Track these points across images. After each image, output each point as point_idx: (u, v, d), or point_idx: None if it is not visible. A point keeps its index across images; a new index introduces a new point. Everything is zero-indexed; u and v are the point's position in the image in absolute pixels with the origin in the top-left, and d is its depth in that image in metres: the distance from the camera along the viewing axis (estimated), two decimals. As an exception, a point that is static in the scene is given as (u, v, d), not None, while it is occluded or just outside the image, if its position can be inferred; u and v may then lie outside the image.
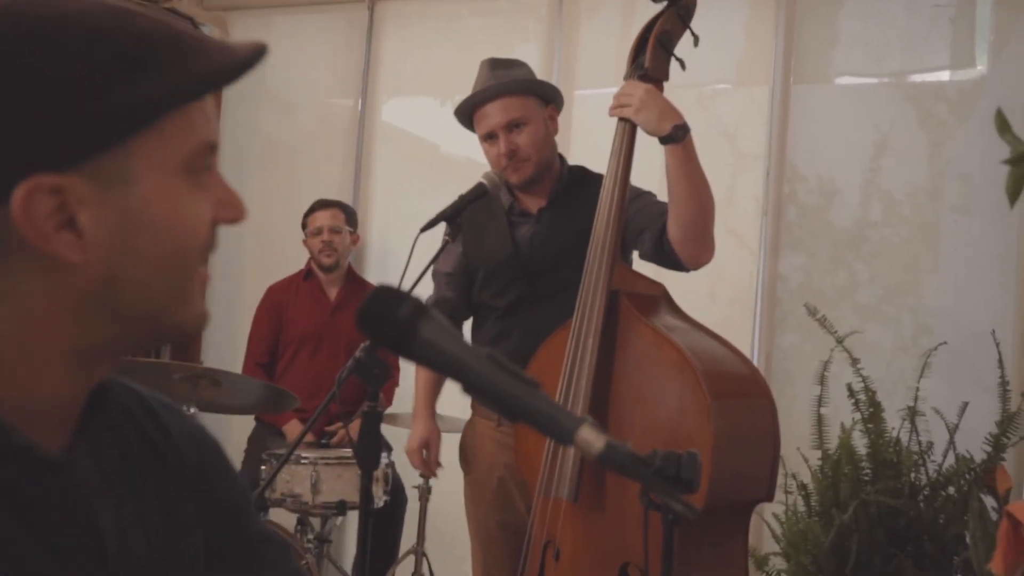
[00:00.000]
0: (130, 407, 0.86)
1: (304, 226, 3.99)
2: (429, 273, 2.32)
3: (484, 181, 2.30)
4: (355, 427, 1.92)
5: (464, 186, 2.30)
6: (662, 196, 2.24)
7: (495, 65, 2.39)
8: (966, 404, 2.86)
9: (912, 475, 2.83)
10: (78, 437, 0.78)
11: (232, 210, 0.80)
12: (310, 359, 3.86)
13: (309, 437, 3.44)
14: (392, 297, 0.81)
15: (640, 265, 2.34)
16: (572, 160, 2.52)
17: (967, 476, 2.77)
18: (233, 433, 4.02)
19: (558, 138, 2.47)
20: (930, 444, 2.88)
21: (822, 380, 2.95)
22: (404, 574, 3.48)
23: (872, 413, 2.89)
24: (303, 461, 3.08)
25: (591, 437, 0.80)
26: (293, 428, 3.69)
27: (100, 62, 0.70)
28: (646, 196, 2.34)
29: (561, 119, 2.48)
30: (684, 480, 0.84)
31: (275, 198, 4.61)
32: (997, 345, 2.87)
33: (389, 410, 3.44)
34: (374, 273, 4.32)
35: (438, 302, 2.50)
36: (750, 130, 3.73)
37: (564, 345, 2.05)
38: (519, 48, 3.97)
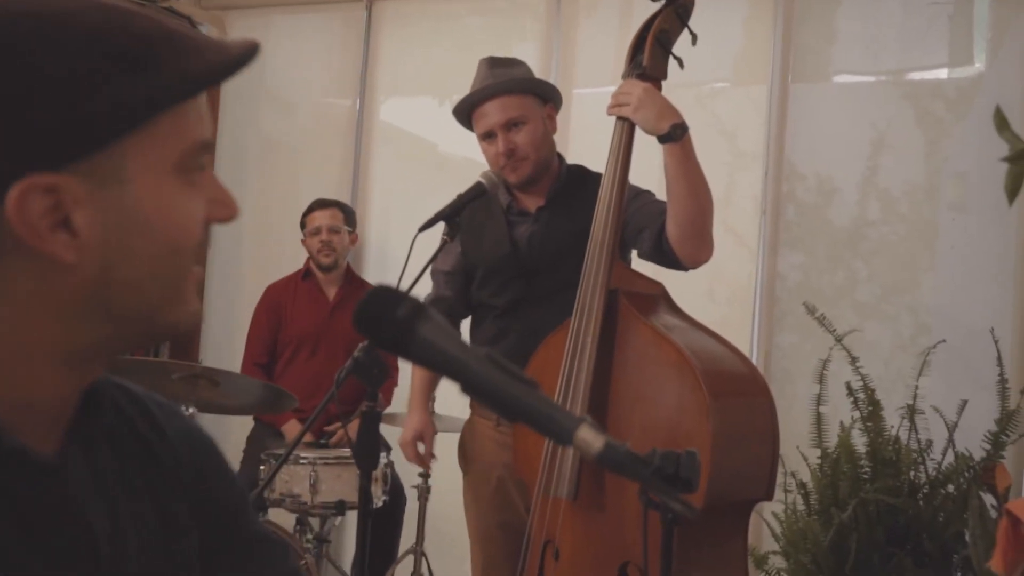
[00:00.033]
0: (124, 407, 0.85)
1: (303, 226, 3.99)
2: (428, 272, 2.32)
3: (482, 180, 2.30)
4: (354, 427, 1.92)
5: (463, 186, 2.30)
6: (661, 195, 2.24)
7: (493, 64, 2.39)
8: (965, 402, 2.86)
9: (911, 473, 2.83)
10: (71, 438, 0.78)
11: (225, 209, 0.80)
12: (309, 359, 3.86)
13: (308, 437, 3.44)
14: (389, 297, 0.80)
15: (639, 264, 2.34)
16: (570, 159, 2.52)
17: (966, 474, 2.77)
18: (232, 433, 4.02)
19: (556, 137, 2.47)
20: (929, 442, 2.88)
21: (821, 379, 2.95)
22: (403, 574, 3.48)
23: (871, 411, 2.89)
24: (302, 461, 3.08)
25: (590, 437, 0.80)
26: (292, 428, 3.69)
27: (95, 61, 0.70)
28: (645, 195, 2.34)
29: (559, 118, 2.48)
30: (683, 479, 0.84)
31: (273, 198, 4.61)
32: (996, 343, 2.87)
33: (388, 410, 3.44)
34: (373, 273, 4.32)
35: (436, 300, 2.50)
36: (748, 129, 3.73)
37: (563, 344, 2.04)
38: (517, 47, 3.96)
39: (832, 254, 3.62)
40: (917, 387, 2.89)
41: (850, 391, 2.91)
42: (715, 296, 3.67)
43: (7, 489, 0.71)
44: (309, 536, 3.21)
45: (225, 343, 4.54)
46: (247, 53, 0.75)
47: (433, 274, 2.49)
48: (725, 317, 3.58)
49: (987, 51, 3.48)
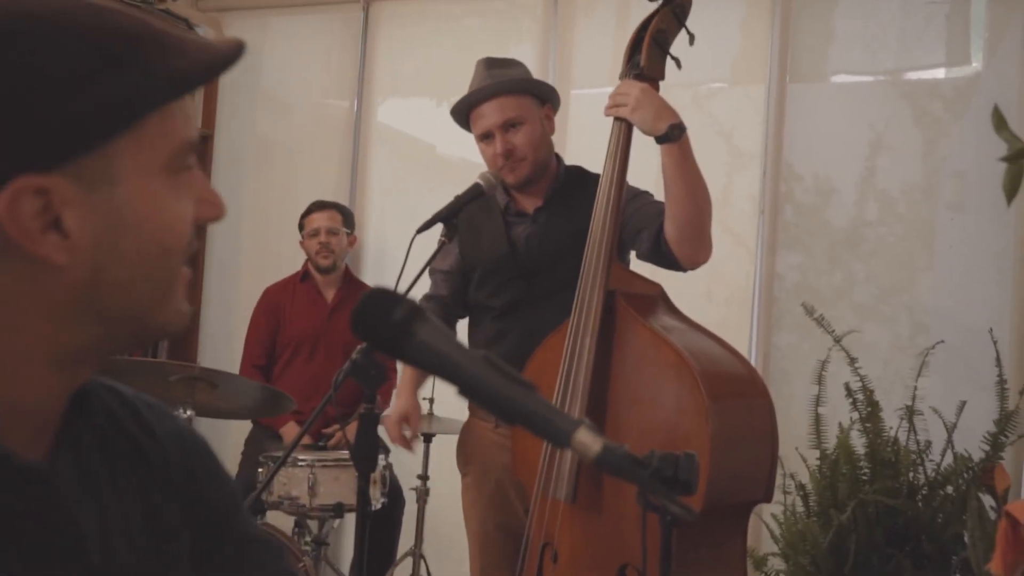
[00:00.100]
0: (114, 409, 0.85)
1: (301, 227, 3.98)
2: (426, 274, 2.32)
3: (480, 181, 2.29)
4: (352, 429, 1.91)
5: (460, 187, 2.30)
6: (659, 196, 2.23)
7: (491, 64, 2.39)
8: (964, 403, 2.86)
9: (910, 474, 2.83)
10: (60, 441, 0.78)
11: (213, 208, 0.80)
12: (307, 361, 3.85)
13: (306, 439, 3.43)
14: (386, 299, 0.80)
15: (637, 265, 2.33)
16: (568, 160, 2.52)
17: (965, 475, 2.77)
18: (230, 435, 4.01)
19: (554, 138, 2.47)
20: (928, 443, 2.88)
21: (820, 379, 2.95)
22: (402, 576, 3.48)
23: (870, 412, 2.88)
24: (300, 463, 3.07)
25: (588, 440, 0.80)
26: (290, 430, 3.68)
27: (84, 61, 0.70)
28: (643, 196, 2.33)
29: (557, 119, 2.47)
30: (682, 481, 0.84)
31: (271, 199, 4.61)
32: (995, 343, 2.87)
33: (386, 412, 3.43)
34: (371, 274, 4.31)
35: (431, 298, 2.50)
36: (746, 129, 3.73)
37: (561, 346, 2.04)
38: (515, 48, 3.97)
39: (830, 254, 3.62)
40: (916, 388, 2.89)
41: (849, 392, 2.90)
42: (713, 297, 3.67)
43: None
44: (307, 538, 3.21)
45: (223, 345, 4.54)
46: (234, 52, 0.75)
47: (431, 273, 2.49)
48: (723, 318, 3.58)
49: (984, 50, 3.48)
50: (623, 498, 1.91)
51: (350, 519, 3.40)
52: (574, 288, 2.06)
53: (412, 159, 4.42)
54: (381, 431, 2.02)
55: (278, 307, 3.94)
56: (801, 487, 2.93)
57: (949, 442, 2.84)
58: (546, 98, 2.43)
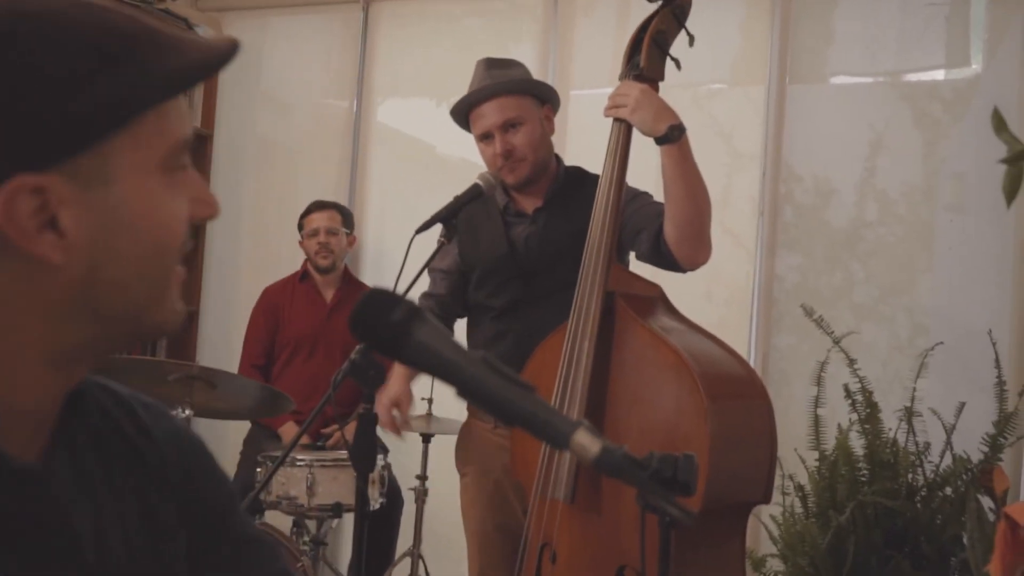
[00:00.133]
0: (109, 408, 0.85)
1: (300, 227, 3.98)
2: (425, 274, 2.32)
3: (480, 182, 2.29)
4: (351, 429, 1.91)
5: (460, 187, 2.30)
6: (658, 197, 2.23)
7: (491, 65, 2.39)
8: (963, 404, 2.86)
9: (909, 476, 2.83)
10: (55, 441, 0.77)
11: (207, 207, 0.80)
12: (306, 361, 3.85)
13: (305, 439, 3.43)
14: (385, 300, 0.80)
15: (637, 266, 2.33)
16: (567, 160, 2.52)
17: (964, 477, 2.76)
18: (229, 435, 4.01)
19: (554, 139, 2.46)
20: (927, 444, 2.87)
21: (819, 381, 2.95)
22: (400, 576, 3.48)
23: (869, 414, 2.88)
24: (299, 463, 3.07)
25: (586, 441, 0.80)
26: (289, 430, 3.68)
27: (83, 61, 0.70)
28: (643, 197, 2.33)
29: (556, 119, 2.47)
30: (681, 483, 0.84)
31: (271, 199, 4.60)
32: (994, 345, 2.87)
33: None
34: (370, 275, 4.31)
35: (429, 296, 2.50)
36: (746, 130, 3.73)
37: (560, 347, 2.04)
38: (514, 48, 3.96)
39: (830, 255, 3.62)
40: (915, 389, 2.89)
41: (848, 393, 2.90)
42: (713, 298, 3.67)
43: None
44: (306, 538, 3.21)
45: (222, 344, 4.54)
46: (229, 50, 0.75)
47: (430, 272, 2.48)
48: (723, 319, 3.58)
49: (984, 52, 3.48)
50: (622, 499, 1.91)
51: (348, 519, 3.39)
52: (573, 289, 2.06)
53: (412, 159, 4.42)
54: (380, 431, 2.02)
55: (277, 307, 3.93)
56: (800, 488, 2.93)
57: (948, 443, 2.84)
58: (546, 98, 2.42)
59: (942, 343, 3.01)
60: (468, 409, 2.49)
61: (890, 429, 2.89)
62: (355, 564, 1.83)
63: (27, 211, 0.69)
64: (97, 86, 0.69)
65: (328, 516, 3.15)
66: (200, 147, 4.57)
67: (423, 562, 3.41)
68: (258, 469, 3.18)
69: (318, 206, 3.97)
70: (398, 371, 2.50)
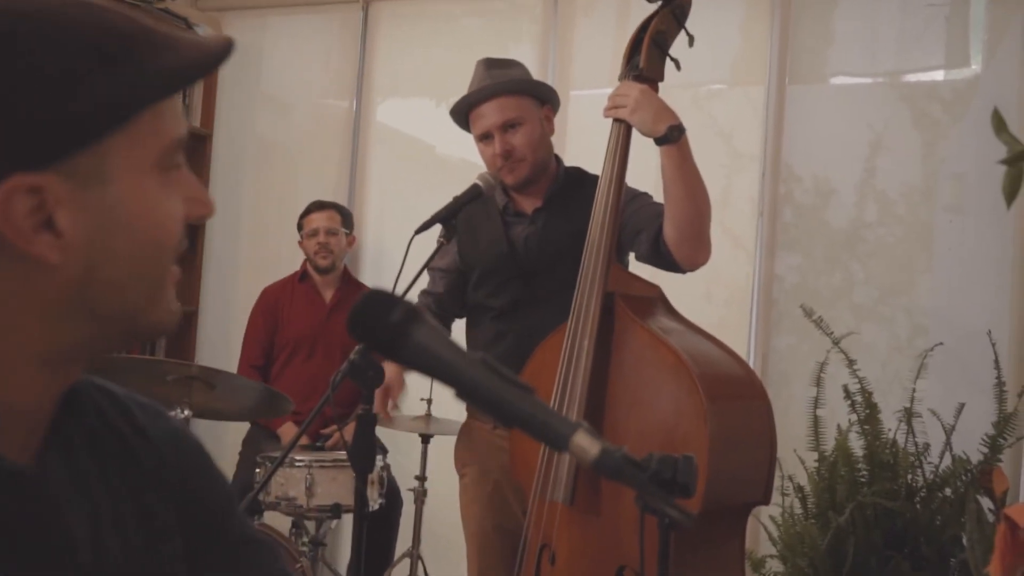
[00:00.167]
0: (104, 408, 0.85)
1: (300, 227, 3.98)
2: (425, 274, 2.31)
3: (479, 182, 2.29)
4: (350, 430, 1.91)
5: (460, 187, 2.30)
6: (658, 197, 2.23)
7: (491, 65, 2.38)
8: (962, 405, 2.86)
9: (909, 477, 2.82)
10: (50, 442, 0.77)
11: (202, 206, 0.80)
12: (305, 361, 3.85)
13: (304, 440, 3.43)
14: (384, 301, 0.80)
15: (636, 267, 2.33)
16: (567, 161, 2.51)
17: (964, 478, 2.76)
18: (228, 435, 4.01)
19: (554, 139, 2.46)
20: (926, 445, 2.87)
21: (818, 381, 2.95)
22: (399, 577, 3.47)
23: (868, 414, 2.88)
24: (298, 464, 3.07)
25: (586, 443, 0.80)
26: (288, 431, 3.68)
27: (79, 60, 0.70)
28: (642, 197, 2.33)
29: (556, 120, 2.47)
30: (680, 484, 0.84)
31: (270, 199, 4.60)
32: (993, 345, 2.87)
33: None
34: (369, 275, 4.31)
35: (427, 294, 2.50)
36: (746, 130, 3.73)
37: (559, 347, 2.04)
38: (514, 48, 3.96)
39: (829, 256, 3.61)
40: (914, 390, 2.89)
41: (847, 394, 2.90)
42: (712, 298, 3.66)
43: None
44: (305, 539, 3.20)
45: (221, 344, 4.54)
46: (224, 49, 0.76)
47: (429, 271, 2.48)
48: (722, 319, 3.58)
49: (983, 52, 3.48)
50: (621, 500, 1.90)
51: (347, 520, 3.39)
52: (573, 289, 2.06)
53: (411, 159, 4.42)
54: (379, 432, 2.02)
55: (276, 307, 3.93)
56: (799, 489, 2.92)
57: (947, 444, 2.84)
58: (546, 99, 2.42)
59: (942, 344, 3.01)
60: (467, 410, 2.48)
61: (889, 430, 2.89)
62: (354, 565, 1.83)
63: (23, 211, 0.69)
64: (96, 85, 0.69)
65: (327, 517, 3.15)
66: (200, 147, 4.57)
67: (422, 563, 3.40)
68: (257, 470, 3.18)
69: (318, 206, 3.97)
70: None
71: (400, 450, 3.73)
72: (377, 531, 3.36)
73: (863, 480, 2.82)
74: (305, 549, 3.13)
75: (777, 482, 2.04)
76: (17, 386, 0.73)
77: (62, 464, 0.78)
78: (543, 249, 2.37)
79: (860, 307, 3.53)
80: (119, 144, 0.72)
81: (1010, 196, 1.07)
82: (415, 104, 4.39)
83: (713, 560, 1.95)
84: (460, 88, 2.41)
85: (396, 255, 2.15)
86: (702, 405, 1.82)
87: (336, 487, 3.08)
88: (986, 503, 2.64)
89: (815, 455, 2.92)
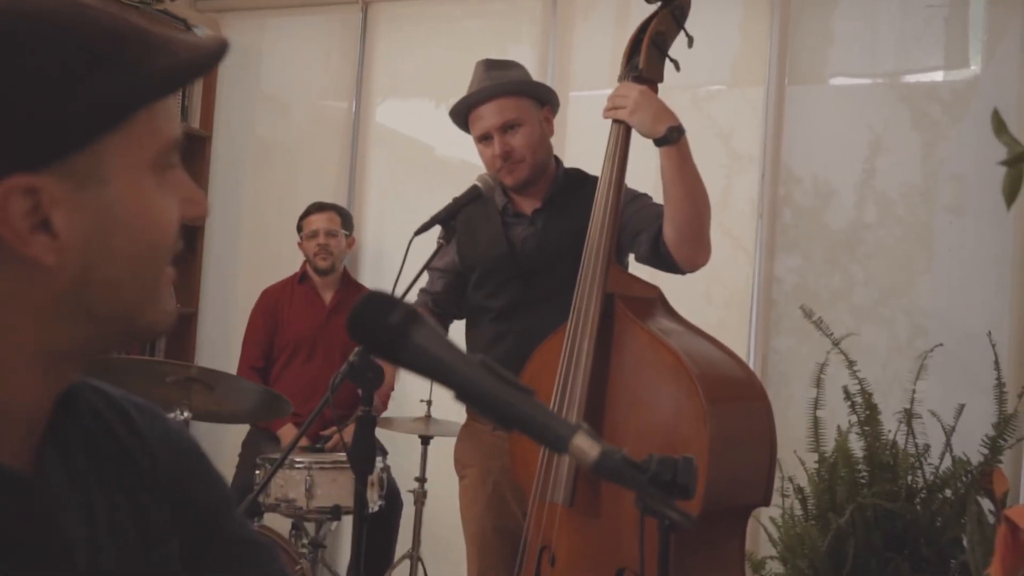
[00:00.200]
0: (101, 410, 0.85)
1: (299, 229, 3.98)
2: (424, 274, 2.31)
3: (478, 183, 2.29)
4: (349, 431, 1.91)
5: (459, 188, 2.29)
6: (657, 198, 2.23)
7: (490, 66, 2.38)
8: (962, 406, 2.86)
9: (909, 478, 2.82)
10: (46, 444, 0.77)
11: (197, 207, 0.80)
12: (305, 363, 3.84)
13: (304, 441, 3.43)
14: (383, 303, 0.80)
15: (636, 267, 2.33)
16: (567, 162, 2.51)
17: (964, 479, 2.76)
18: (227, 437, 4.01)
19: (553, 140, 2.46)
20: (927, 446, 2.87)
21: (818, 382, 2.94)
22: (399, 578, 3.47)
23: (868, 415, 2.88)
24: (298, 465, 3.06)
25: (585, 445, 0.79)
26: (288, 432, 3.68)
27: (77, 60, 0.70)
28: (642, 198, 2.33)
29: (556, 121, 2.47)
30: (680, 485, 0.83)
31: (270, 200, 4.60)
32: (993, 346, 2.87)
33: (384, 414, 3.43)
34: (369, 276, 4.31)
35: (426, 292, 2.50)
36: (745, 131, 3.72)
37: (559, 349, 2.03)
38: (513, 49, 3.96)
39: (829, 257, 3.61)
40: (914, 391, 2.89)
41: (847, 395, 2.90)
42: (712, 299, 3.66)
43: None
44: (304, 541, 3.20)
45: (220, 345, 4.53)
46: (219, 49, 0.76)
47: (428, 271, 2.48)
48: (722, 320, 3.58)
49: (983, 53, 3.48)
50: (621, 502, 1.90)
51: (347, 521, 3.39)
52: (572, 290, 2.06)
53: (411, 160, 4.42)
54: (379, 433, 2.02)
55: (276, 309, 3.93)
56: (799, 490, 2.92)
57: (948, 445, 2.83)
58: (545, 100, 2.42)
59: (941, 345, 3.01)
60: (467, 411, 2.48)
61: (889, 431, 2.89)
62: (354, 566, 1.83)
63: (20, 212, 0.69)
64: (94, 86, 0.70)
65: (327, 518, 3.15)
66: (199, 148, 4.57)
67: (422, 564, 3.40)
68: (257, 471, 3.18)
69: (317, 207, 3.96)
70: None
71: (400, 452, 3.73)
72: (377, 533, 3.36)
73: (863, 481, 2.82)
74: (305, 551, 3.13)
75: (777, 483, 2.04)
76: (14, 387, 0.73)
77: (59, 466, 0.78)
78: (542, 250, 2.37)
79: (860, 308, 3.53)
80: (115, 144, 0.72)
81: (1010, 197, 1.07)
82: (415, 105, 4.39)
83: (713, 561, 1.95)
84: (460, 89, 2.41)
85: (396, 256, 2.15)
86: (702, 406, 1.82)
87: (336, 489, 3.08)
88: (986, 504, 2.64)
89: (815, 456, 2.91)
